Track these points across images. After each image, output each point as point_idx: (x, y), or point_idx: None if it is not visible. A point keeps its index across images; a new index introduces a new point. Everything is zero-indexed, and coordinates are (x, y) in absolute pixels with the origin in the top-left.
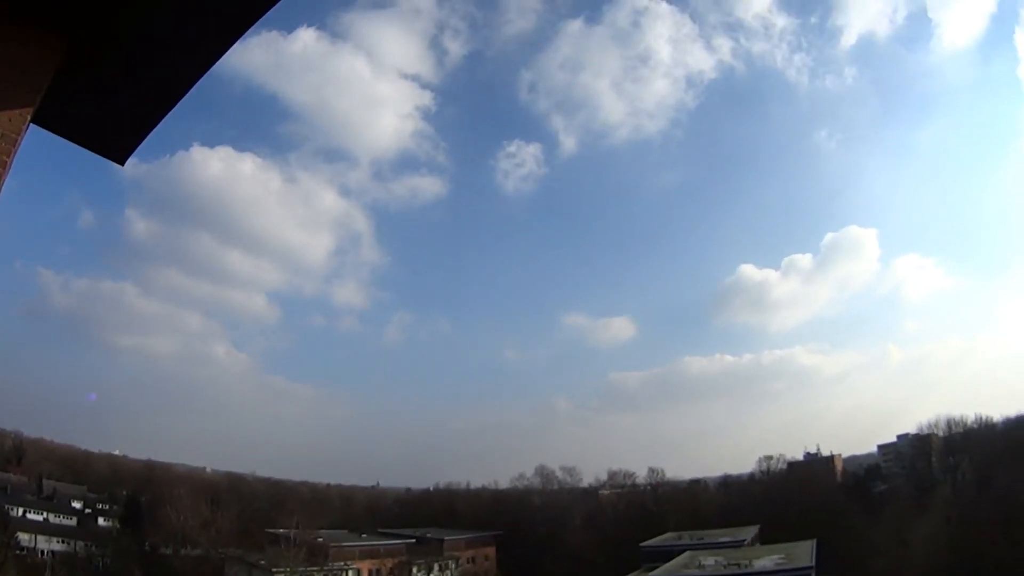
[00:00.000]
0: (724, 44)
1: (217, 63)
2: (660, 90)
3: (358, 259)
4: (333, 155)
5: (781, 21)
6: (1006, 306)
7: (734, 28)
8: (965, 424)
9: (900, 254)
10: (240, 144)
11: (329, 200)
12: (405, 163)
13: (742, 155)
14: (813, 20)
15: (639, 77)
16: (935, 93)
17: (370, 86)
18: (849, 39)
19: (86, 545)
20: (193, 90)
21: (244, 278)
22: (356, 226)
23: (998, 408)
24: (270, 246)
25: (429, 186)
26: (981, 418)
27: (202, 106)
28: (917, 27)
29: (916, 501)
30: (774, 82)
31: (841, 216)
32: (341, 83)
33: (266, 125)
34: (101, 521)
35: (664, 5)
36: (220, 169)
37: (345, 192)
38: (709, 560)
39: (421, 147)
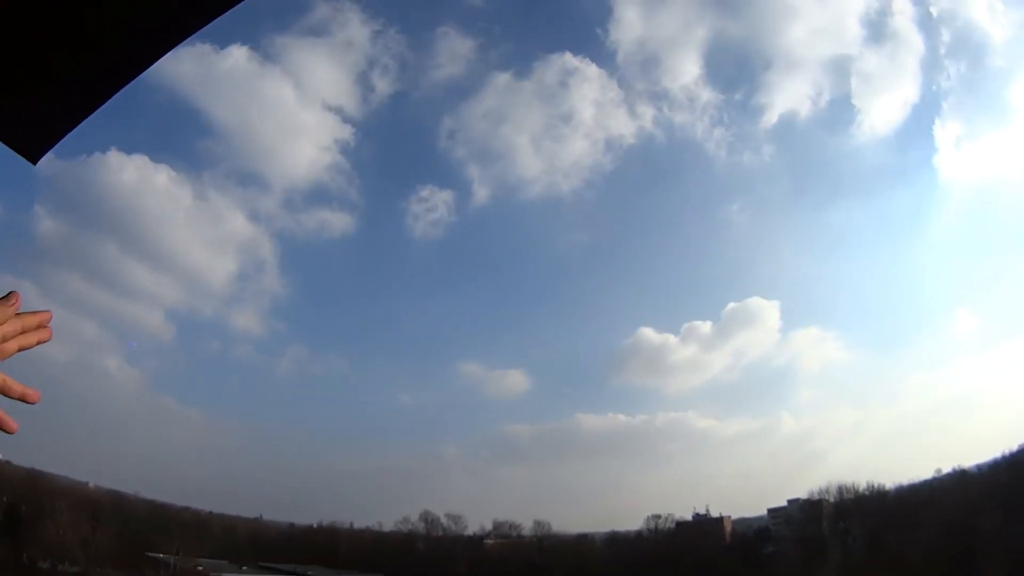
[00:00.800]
0: (647, 111)
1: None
2: (578, 150)
3: (259, 287)
4: (247, 178)
5: (706, 95)
6: (900, 380)
7: (659, 97)
8: (856, 491)
9: (801, 326)
10: (157, 155)
11: (238, 224)
12: (317, 195)
13: (652, 221)
14: (737, 97)
15: (559, 136)
16: (850, 175)
17: (293, 113)
18: (771, 118)
19: None
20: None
21: (144, 292)
22: (261, 253)
23: (890, 476)
24: (174, 263)
25: (338, 221)
26: (872, 485)
27: (125, 110)
28: (839, 111)
29: (806, 563)
30: (692, 153)
31: (745, 286)
32: (265, 106)
33: (185, 139)
34: None
35: (594, 68)
36: (134, 178)
37: (254, 217)
38: None
39: (335, 181)
